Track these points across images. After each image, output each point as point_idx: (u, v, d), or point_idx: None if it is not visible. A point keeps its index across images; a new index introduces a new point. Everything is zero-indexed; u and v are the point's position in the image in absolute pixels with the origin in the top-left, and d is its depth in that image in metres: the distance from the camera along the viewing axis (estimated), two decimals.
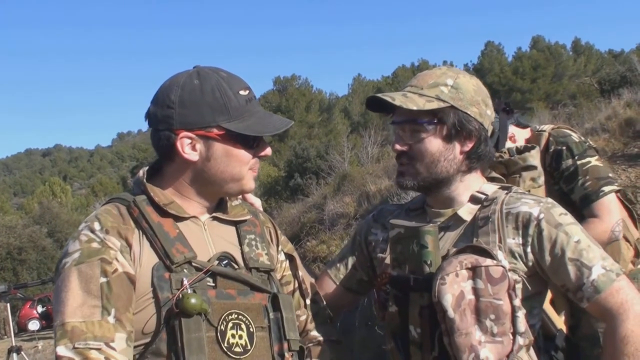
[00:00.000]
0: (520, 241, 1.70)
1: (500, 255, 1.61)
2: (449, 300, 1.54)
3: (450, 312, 1.54)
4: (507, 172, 2.04)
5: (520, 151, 2.09)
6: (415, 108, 1.70)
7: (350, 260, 2.03)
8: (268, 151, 1.62)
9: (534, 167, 2.04)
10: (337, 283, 2.02)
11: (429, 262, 1.63)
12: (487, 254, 1.58)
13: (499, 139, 2.66)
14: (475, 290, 1.55)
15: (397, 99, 1.72)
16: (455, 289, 1.55)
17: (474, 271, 1.56)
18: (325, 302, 1.93)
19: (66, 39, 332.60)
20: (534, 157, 2.04)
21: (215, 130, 1.53)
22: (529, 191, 1.96)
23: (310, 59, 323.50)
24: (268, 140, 1.64)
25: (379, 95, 1.75)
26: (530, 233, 1.69)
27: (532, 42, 42.24)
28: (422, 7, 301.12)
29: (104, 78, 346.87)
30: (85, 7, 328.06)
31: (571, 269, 1.65)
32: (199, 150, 1.55)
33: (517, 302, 1.55)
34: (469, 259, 1.58)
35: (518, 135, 2.85)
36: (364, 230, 2.03)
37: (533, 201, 1.73)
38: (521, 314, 1.55)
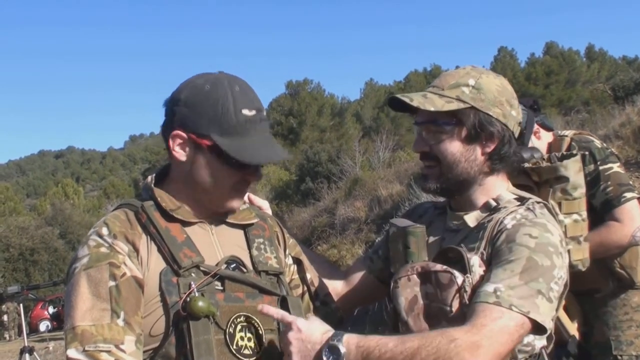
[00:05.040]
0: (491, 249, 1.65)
1: (474, 260, 1.60)
2: (402, 304, 1.57)
3: (403, 315, 1.56)
4: (540, 180, 1.98)
5: (559, 159, 1.99)
6: (433, 109, 1.68)
7: (384, 253, 1.99)
8: (257, 176, 1.61)
9: (565, 179, 1.91)
10: (371, 275, 2.00)
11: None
12: (461, 257, 1.58)
13: (524, 134, 2.65)
14: (427, 295, 1.57)
15: (415, 99, 1.70)
16: (408, 292, 1.58)
17: (424, 276, 1.58)
18: (356, 294, 1.95)
19: (80, 41, 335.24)
20: (567, 168, 1.91)
21: (205, 140, 1.53)
22: (560, 203, 1.89)
23: (323, 63, 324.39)
24: (273, 162, 1.61)
25: (398, 95, 1.73)
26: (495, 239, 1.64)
27: (546, 47, 42.08)
28: (435, 13, 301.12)
29: (117, 80, 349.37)
30: (99, 8, 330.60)
31: (487, 275, 1.58)
32: (187, 153, 1.56)
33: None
34: (421, 264, 1.60)
35: (542, 135, 2.85)
36: (390, 223, 2.03)
37: (520, 215, 1.66)
38: None
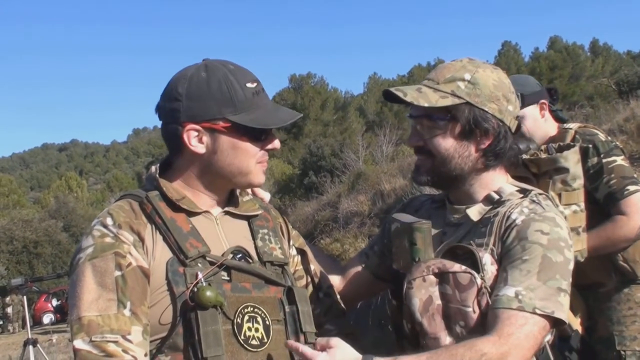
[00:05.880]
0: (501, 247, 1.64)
1: (486, 258, 1.59)
2: (416, 305, 1.56)
3: (418, 316, 1.55)
4: (539, 171, 1.97)
5: (557, 150, 1.98)
6: (426, 104, 1.66)
7: (379, 248, 2.00)
8: (276, 144, 1.62)
9: (565, 170, 1.91)
10: (367, 270, 1.99)
11: (417, 260, 1.64)
12: (472, 255, 1.57)
13: (522, 101, 2.60)
14: (444, 296, 1.55)
15: (409, 94, 1.68)
16: (423, 293, 1.56)
17: (441, 276, 1.56)
18: (353, 291, 1.93)
19: (83, 36, 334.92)
20: (566, 159, 1.91)
21: (221, 123, 1.52)
22: (559, 195, 1.89)
23: (326, 57, 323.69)
24: (282, 139, 1.62)
25: (392, 89, 1.71)
26: (505, 235, 1.63)
27: (550, 42, 42.00)
28: (439, 7, 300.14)
29: (120, 74, 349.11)
30: (103, 4, 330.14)
31: (500, 275, 1.58)
32: (206, 143, 1.54)
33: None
34: (437, 264, 1.58)
35: (547, 117, 2.82)
36: (391, 218, 2.02)
37: (528, 210, 1.65)
38: None
